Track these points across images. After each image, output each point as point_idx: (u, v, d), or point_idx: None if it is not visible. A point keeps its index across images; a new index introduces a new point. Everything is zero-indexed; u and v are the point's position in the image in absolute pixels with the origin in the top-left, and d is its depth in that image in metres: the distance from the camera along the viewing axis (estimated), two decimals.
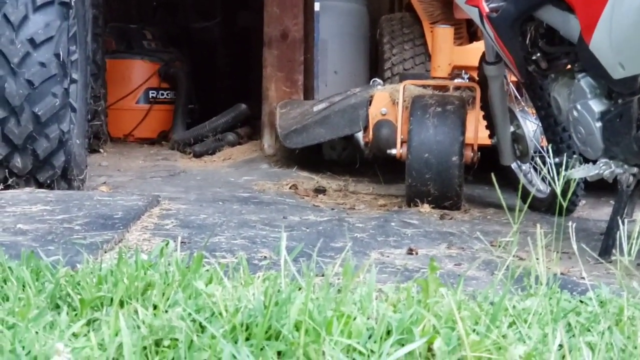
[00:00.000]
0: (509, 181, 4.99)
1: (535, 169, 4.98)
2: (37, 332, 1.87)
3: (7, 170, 4.57)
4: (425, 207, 4.74)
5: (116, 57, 8.92)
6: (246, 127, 8.28)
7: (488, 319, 1.99)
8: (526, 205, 3.76)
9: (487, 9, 4.10)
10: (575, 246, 2.37)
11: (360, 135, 5.98)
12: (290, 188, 5.62)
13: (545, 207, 4.75)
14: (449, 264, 3.29)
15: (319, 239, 3.61)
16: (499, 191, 2.30)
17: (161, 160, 7.42)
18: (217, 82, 10.84)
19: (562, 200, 2.80)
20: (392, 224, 4.15)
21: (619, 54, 3.32)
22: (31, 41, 4.49)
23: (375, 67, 8.10)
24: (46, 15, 4.55)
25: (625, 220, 3.59)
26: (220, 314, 1.92)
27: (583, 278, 2.98)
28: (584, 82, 3.68)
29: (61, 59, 4.54)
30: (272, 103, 7.12)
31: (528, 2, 3.88)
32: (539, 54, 3.99)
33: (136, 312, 2.03)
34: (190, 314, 1.92)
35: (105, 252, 3.03)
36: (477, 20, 4.23)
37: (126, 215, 3.71)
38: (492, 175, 2.78)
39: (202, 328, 1.91)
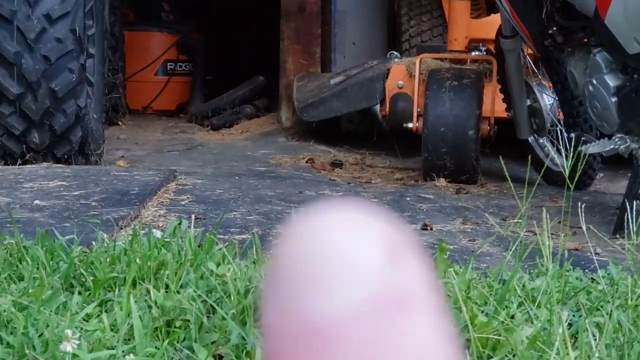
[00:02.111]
0: (527, 154, 4.98)
1: (552, 143, 4.96)
2: (50, 314, 1.89)
3: (24, 146, 4.59)
4: (442, 181, 4.74)
5: (134, 29, 8.92)
6: (264, 99, 8.28)
7: (496, 300, 2.00)
8: (539, 178, 3.76)
9: None
10: (584, 225, 2.37)
11: (377, 108, 5.97)
12: (307, 162, 5.63)
13: (562, 180, 4.73)
14: (463, 239, 3.30)
15: None
16: (505, 170, 2.31)
17: (179, 133, 7.44)
18: (236, 53, 10.83)
19: (573, 175, 2.80)
20: (408, 198, 4.16)
21: (634, 29, 3.31)
22: (47, 17, 4.50)
23: (393, 38, 8.08)
24: None
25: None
26: (230, 295, 1.94)
27: (597, 254, 2.99)
28: (600, 56, 3.66)
29: (77, 35, 4.55)
30: (289, 76, 7.11)
31: None
32: (555, 28, 3.97)
33: (148, 292, 2.05)
34: (200, 295, 1.94)
35: (121, 229, 3.05)
36: None
37: (142, 191, 3.73)
38: (501, 160, 2.78)
39: (213, 309, 1.93)
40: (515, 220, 3.43)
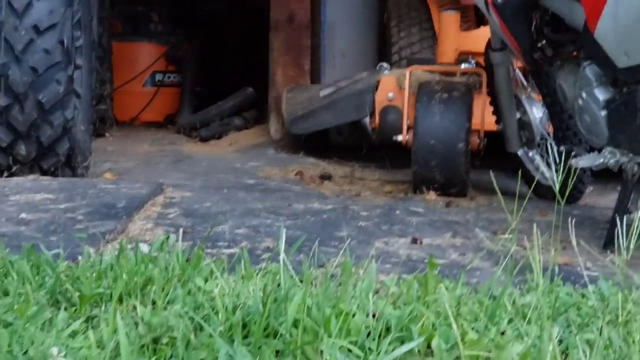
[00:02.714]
0: (516, 168, 4.97)
1: (542, 156, 4.95)
2: (35, 331, 1.86)
3: (11, 158, 4.56)
4: (431, 195, 4.73)
5: (123, 40, 8.91)
6: (253, 110, 8.27)
7: (487, 316, 1.98)
8: (529, 192, 3.75)
9: None
10: (574, 240, 2.36)
11: (367, 120, 5.96)
12: (296, 174, 5.61)
13: (552, 194, 4.72)
14: (453, 254, 3.28)
15: (323, 227, 3.61)
16: (495, 183, 2.29)
17: (167, 145, 7.41)
18: (225, 64, 10.82)
19: (563, 189, 2.79)
20: (397, 212, 4.14)
21: (624, 43, 3.30)
22: (35, 28, 4.47)
23: (383, 50, 8.08)
24: (50, 2, 4.53)
25: (631, 209, 3.58)
26: (218, 312, 1.92)
27: (588, 269, 2.98)
28: (590, 70, 3.65)
29: (65, 46, 4.53)
30: (278, 88, 7.10)
31: None
32: (544, 42, 3.97)
33: (135, 308, 2.03)
34: (187, 312, 1.91)
35: (108, 243, 3.02)
36: (482, 6, 4.20)
37: (129, 204, 3.70)
38: (490, 172, 2.77)
39: (201, 326, 1.91)
40: (506, 235, 3.42)
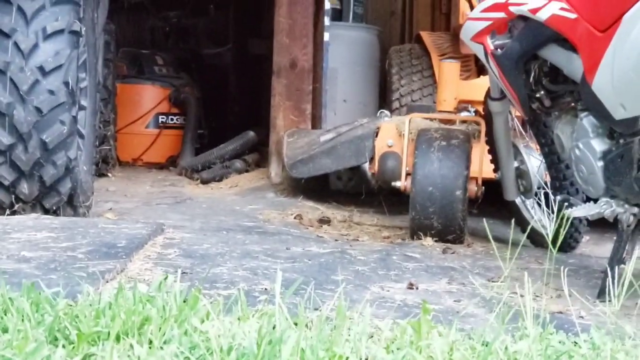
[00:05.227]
0: (514, 216, 5.00)
1: (539, 205, 4.99)
2: None
3: (13, 196, 4.59)
4: (428, 241, 4.76)
5: (127, 81, 9.00)
6: (254, 154, 8.32)
7: None
8: (523, 239, 3.78)
9: (491, 47, 4.13)
10: (566, 289, 2.39)
11: (366, 166, 6.01)
12: (295, 218, 5.64)
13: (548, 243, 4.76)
14: (448, 300, 3.31)
15: (320, 271, 3.64)
16: (489, 231, 2.33)
17: (168, 186, 7.45)
18: (227, 107, 10.90)
19: (556, 239, 2.82)
20: (394, 257, 4.17)
21: (620, 95, 3.35)
22: (41, 69, 4.52)
23: (384, 96, 8.14)
24: (56, 44, 4.59)
25: (625, 259, 3.61)
26: (213, 352, 1.95)
27: (581, 317, 3.00)
28: (587, 121, 3.69)
29: (70, 87, 4.57)
30: (279, 132, 7.15)
31: (533, 41, 3.91)
32: (542, 92, 4.01)
33: (132, 347, 2.05)
34: (183, 352, 1.94)
35: (107, 282, 3.05)
36: (481, 56, 4.25)
37: (129, 244, 3.73)
38: (484, 221, 2.80)
39: None
40: (499, 282, 3.44)
